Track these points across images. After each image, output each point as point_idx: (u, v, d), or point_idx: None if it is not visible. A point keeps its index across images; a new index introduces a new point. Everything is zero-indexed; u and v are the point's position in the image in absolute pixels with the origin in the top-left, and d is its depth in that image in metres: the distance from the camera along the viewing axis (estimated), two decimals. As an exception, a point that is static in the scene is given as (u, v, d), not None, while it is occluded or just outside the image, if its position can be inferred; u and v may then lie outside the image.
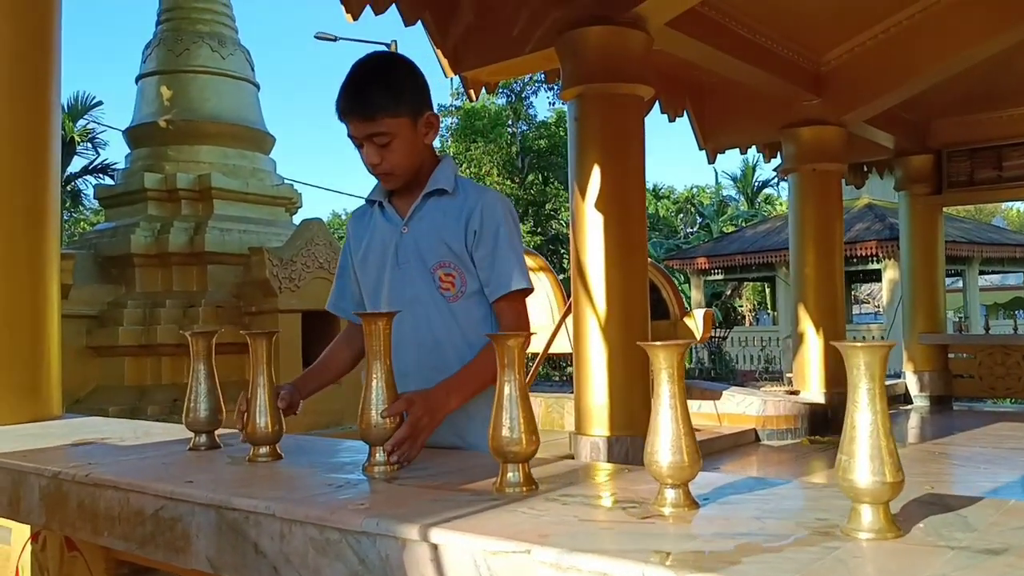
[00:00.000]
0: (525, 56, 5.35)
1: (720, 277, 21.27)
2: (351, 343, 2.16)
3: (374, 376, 1.55)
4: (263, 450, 1.72)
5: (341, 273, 2.20)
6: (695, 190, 39.18)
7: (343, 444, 1.90)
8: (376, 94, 1.91)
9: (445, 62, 5.63)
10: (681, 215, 36.38)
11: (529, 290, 2.00)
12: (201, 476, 1.57)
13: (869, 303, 38.69)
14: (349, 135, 1.95)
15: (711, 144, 8.13)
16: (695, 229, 35.15)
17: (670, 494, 1.17)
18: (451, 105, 25.68)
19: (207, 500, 1.40)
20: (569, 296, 6.85)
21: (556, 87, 25.07)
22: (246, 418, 1.72)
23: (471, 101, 5.99)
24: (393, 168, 1.96)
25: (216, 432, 1.92)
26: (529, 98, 25.78)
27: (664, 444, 1.15)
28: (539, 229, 24.82)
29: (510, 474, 1.33)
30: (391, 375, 1.57)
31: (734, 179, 35.42)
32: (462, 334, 1.98)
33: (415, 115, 1.95)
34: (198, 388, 1.87)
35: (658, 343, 1.16)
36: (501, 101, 25.27)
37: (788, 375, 7.58)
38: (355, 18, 4.98)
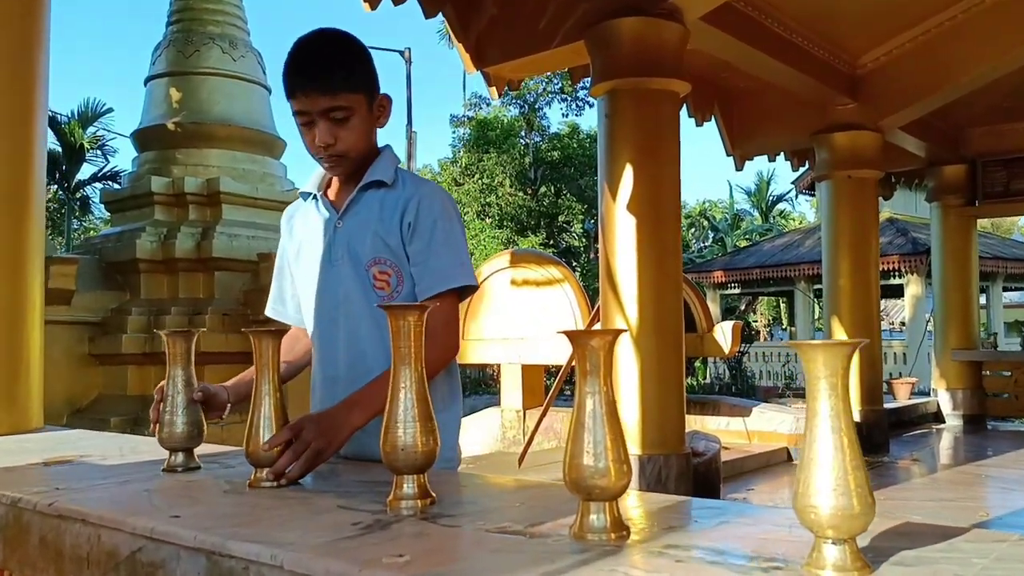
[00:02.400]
0: (552, 50, 5.04)
1: (737, 291, 20.91)
2: (292, 348, 1.96)
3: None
4: (267, 473, 1.42)
5: (278, 274, 2.02)
6: (707, 204, 38.87)
7: (362, 467, 1.58)
8: (336, 66, 1.73)
9: (467, 57, 5.32)
10: (693, 229, 36.04)
11: (473, 288, 1.82)
12: (191, 509, 1.25)
13: (883, 320, 38.24)
14: (297, 112, 1.74)
15: (739, 151, 7.81)
16: (708, 243, 34.81)
17: (832, 552, 0.84)
18: (464, 116, 25.44)
19: (196, 543, 1.08)
20: (593, 306, 6.52)
21: (569, 98, 24.91)
22: (246, 433, 1.43)
23: (495, 98, 5.67)
24: (347, 149, 1.77)
25: (195, 451, 1.62)
26: (543, 109, 25.52)
27: (824, 482, 0.83)
28: (551, 241, 24.50)
29: (594, 516, 1.01)
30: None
31: (748, 193, 35.07)
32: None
33: (371, 93, 1.80)
34: (176, 397, 1.57)
35: (817, 342, 0.84)
36: (514, 112, 25.02)
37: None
38: (372, 8, 4.69)
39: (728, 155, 7.82)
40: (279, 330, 1.50)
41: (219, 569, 1.04)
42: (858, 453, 0.84)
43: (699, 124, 7.34)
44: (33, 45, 2.48)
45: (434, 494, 1.23)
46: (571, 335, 1.02)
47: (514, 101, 24.49)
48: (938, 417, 9.13)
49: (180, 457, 1.58)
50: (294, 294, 1.96)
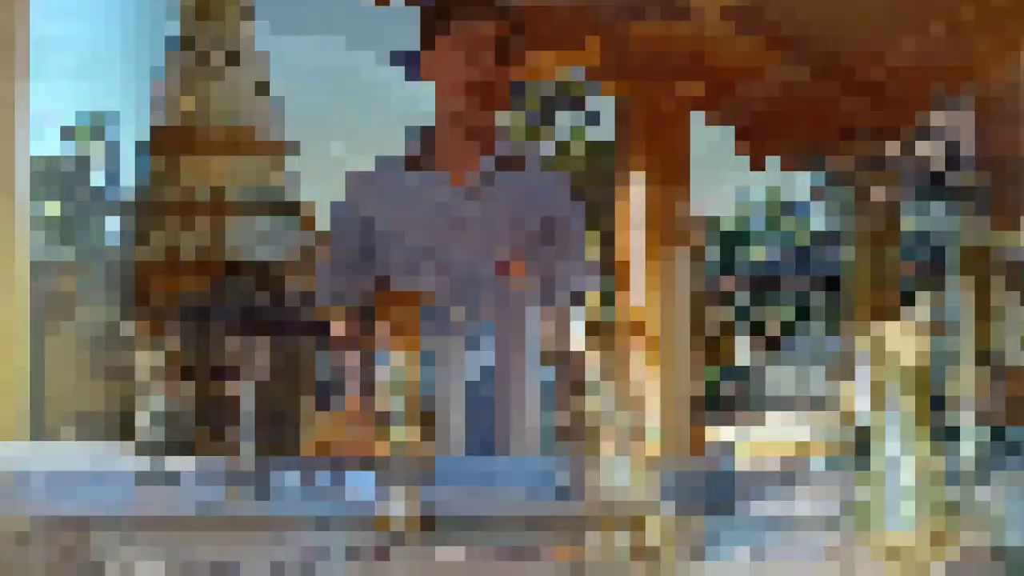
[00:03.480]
0: (560, 51, 4.93)
1: (747, 299, 20.74)
2: None
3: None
4: None
5: None
6: (712, 204, 38.72)
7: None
8: None
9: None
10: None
11: None
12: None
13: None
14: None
15: (752, 155, 7.65)
16: (718, 255, 34.63)
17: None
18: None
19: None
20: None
21: (578, 109, 24.78)
22: None
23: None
24: None
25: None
26: (551, 118, 25.42)
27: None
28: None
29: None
30: None
31: (758, 202, 34.95)
32: None
33: None
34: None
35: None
36: (521, 122, 24.91)
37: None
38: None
39: (739, 156, 7.67)
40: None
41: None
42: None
43: (708, 123, 7.20)
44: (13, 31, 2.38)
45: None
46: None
47: (522, 111, 24.43)
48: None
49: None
50: None
